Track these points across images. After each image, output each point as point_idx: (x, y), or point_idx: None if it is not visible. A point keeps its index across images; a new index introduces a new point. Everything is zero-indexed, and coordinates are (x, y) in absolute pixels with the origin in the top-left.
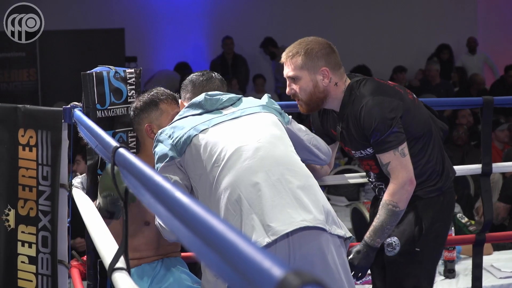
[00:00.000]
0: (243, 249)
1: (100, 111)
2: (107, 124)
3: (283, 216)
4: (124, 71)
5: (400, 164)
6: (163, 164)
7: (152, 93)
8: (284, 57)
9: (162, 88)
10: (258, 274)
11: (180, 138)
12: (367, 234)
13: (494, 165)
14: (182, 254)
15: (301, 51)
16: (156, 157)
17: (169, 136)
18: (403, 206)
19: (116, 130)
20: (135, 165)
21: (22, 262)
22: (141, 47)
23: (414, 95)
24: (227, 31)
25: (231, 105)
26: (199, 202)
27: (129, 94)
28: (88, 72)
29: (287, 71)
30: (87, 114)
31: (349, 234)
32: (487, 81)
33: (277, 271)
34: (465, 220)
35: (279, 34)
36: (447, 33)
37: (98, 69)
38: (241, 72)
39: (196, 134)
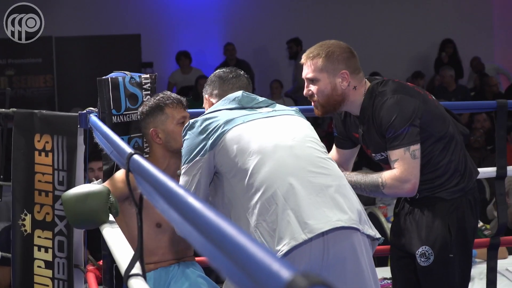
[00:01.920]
0: (253, 252)
1: (115, 117)
2: (122, 129)
3: (319, 214)
4: (140, 76)
5: (407, 164)
6: (191, 156)
7: (158, 97)
8: (304, 58)
9: (168, 92)
10: (267, 277)
11: (214, 131)
12: (348, 173)
13: (510, 168)
14: (197, 258)
15: (322, 53)
16: (186, 149)
17: (202, 129)
18: (387, 194)
19: (132, 135)
20: (149, 172)
21: (39, 266)
22: (157, 52)
23: (433, 97)
24: (242, 36)
25: (266, 106)
26: (211, 206)
27: (144, 100)
28: (103, 77)
29: (306, 72)
30: (102, 120)
31: (378, 235)
32: (503, 87)
33: (285, 273)
34: (480, 224)
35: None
36: (466, 47)
37: (113, 74)
38: None
39: (231, 128)
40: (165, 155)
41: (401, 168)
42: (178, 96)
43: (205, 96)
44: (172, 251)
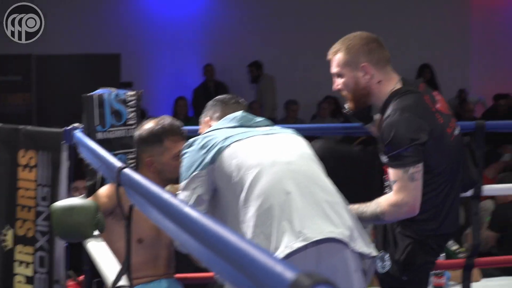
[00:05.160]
0: (254, 255)
1: (100, 133)
2: (107, 145)
3: (313, 225)
4: (125, 93)
5: (404, 187)
6: (191, 171)
7: (159, 126)
8: (329, 54)
9: (169, 119)
10: (271, 278)
11: (213, 146)
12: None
13: (485, 187)
14: (177, 275)
15: (343, 47)
16: (186, 165)
17: (202, 145)
18: (388, 220)
19: (116, 152)
20: (142, 184)
21: (19, 282)
22: (137, 72)
23: (456, 131)
24: (222, 57)
25: (265, 125)
26: (207, 215)
27: (129, 117)
28: (89, 94)
29: (332, 68)
30: (88, 136)
31: (374, 253)
32: (479, 113)
33: (289, 274)
34: (455, 247)
35: (268, 59)
36: (444, 72)
37: (99, 91)
38: None
39: (230, 144)
40: (155, 180)
41: (397, 192)
42: (180, 126)
43: (205, 119)
44: (153, 267)
